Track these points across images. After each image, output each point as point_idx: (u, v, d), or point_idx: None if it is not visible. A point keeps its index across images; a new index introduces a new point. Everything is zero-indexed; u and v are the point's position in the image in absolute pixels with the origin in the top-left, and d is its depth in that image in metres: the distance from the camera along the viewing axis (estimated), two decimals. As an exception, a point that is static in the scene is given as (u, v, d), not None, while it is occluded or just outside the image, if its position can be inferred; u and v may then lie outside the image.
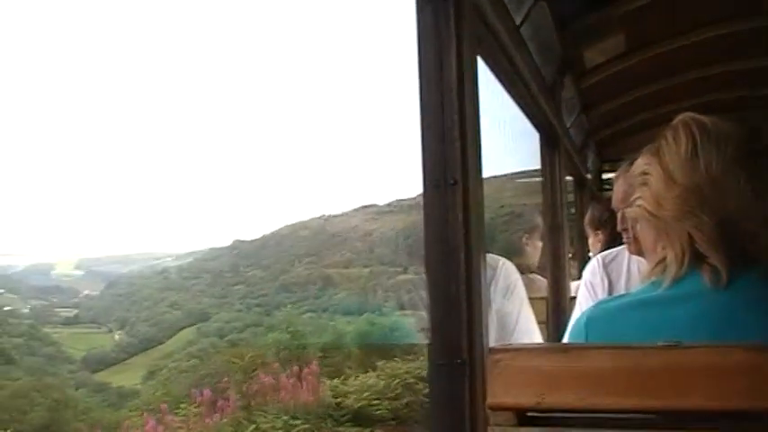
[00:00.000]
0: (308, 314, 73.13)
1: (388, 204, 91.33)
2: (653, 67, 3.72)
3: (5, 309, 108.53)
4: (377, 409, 9.18)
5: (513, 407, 1.28)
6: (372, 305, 63.76)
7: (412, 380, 9.81)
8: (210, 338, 69.62)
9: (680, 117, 1.26)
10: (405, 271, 75.86)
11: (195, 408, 9.24)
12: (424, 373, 9.60)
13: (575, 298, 2.62)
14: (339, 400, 9.26)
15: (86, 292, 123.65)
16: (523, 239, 3.10)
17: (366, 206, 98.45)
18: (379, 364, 11.18)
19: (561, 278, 2.92)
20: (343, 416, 9.16)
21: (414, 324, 28.09)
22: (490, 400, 1.35)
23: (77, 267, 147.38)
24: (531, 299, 2.36)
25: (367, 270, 78.59)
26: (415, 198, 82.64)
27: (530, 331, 2.20)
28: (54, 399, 25.99)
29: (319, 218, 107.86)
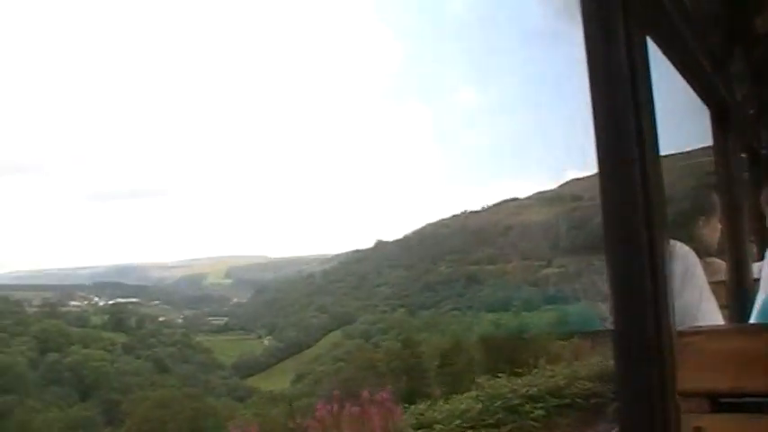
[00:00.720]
0: (452, 312, 73.67)
1: (529, 197, 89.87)
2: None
3: (160, 319, 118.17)
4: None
5: (706, 392, 1.24)
6: (517, 300, 62.74)
7: (518, 401, 8.09)
8: (356, 340, 72.04)
9: None
10: (549, 264, 74.69)
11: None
12: (534, 392, 8.43)
13: (757, 280, 2.48)
14: (422, 432, 7.70)
15: (236, 299, 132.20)
16: (700, 222, 2.95)
17: (507, 200, 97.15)
18: (480, 380, 9.39)
19: (742, 260, 2.76)
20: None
21: (556, 318, 27.44)
22: (681, 387, 1.30)
23: (227, 276, 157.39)
24: (710, 283, 2.25)
25: (510, 265, 78.06)
26: (555, 189, 79.66)
27: (713, 316, 2.11)
28: (193, 408, 27.47)
29: (460, 215, 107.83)
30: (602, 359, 9.82)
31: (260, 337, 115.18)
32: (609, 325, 1.49)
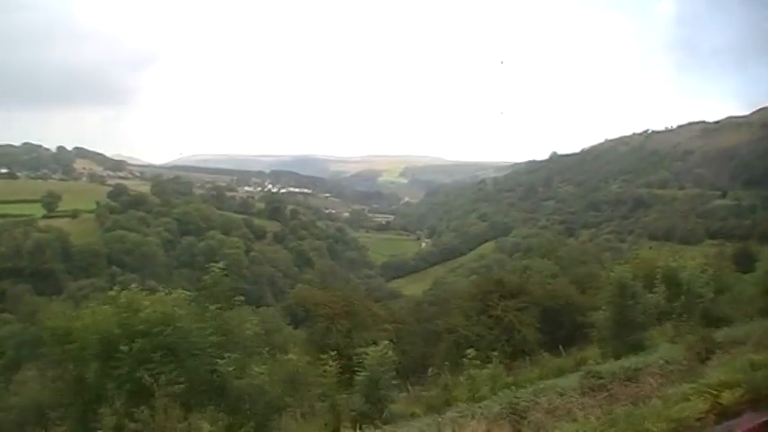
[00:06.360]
0: (606, 237, 72.65)
1: (717, 122, 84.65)
2: None
3: (327, 211, 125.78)
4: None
5: None
6: (680, 231, 60.71)
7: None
8: (500, 255, 72.83)
9: None
10: (723, 196, 71.15)
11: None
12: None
13: None
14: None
15: (406, 199, 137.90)
16: None
17: (693, 123, 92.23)
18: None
19: None
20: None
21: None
22: None
23: (402, 175, 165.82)
24: None
25: (682, 192, 74.92)
26: (747, 116, 76.13)
27: None
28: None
29: (641, 134, 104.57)
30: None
31: (419, 239, 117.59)
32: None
